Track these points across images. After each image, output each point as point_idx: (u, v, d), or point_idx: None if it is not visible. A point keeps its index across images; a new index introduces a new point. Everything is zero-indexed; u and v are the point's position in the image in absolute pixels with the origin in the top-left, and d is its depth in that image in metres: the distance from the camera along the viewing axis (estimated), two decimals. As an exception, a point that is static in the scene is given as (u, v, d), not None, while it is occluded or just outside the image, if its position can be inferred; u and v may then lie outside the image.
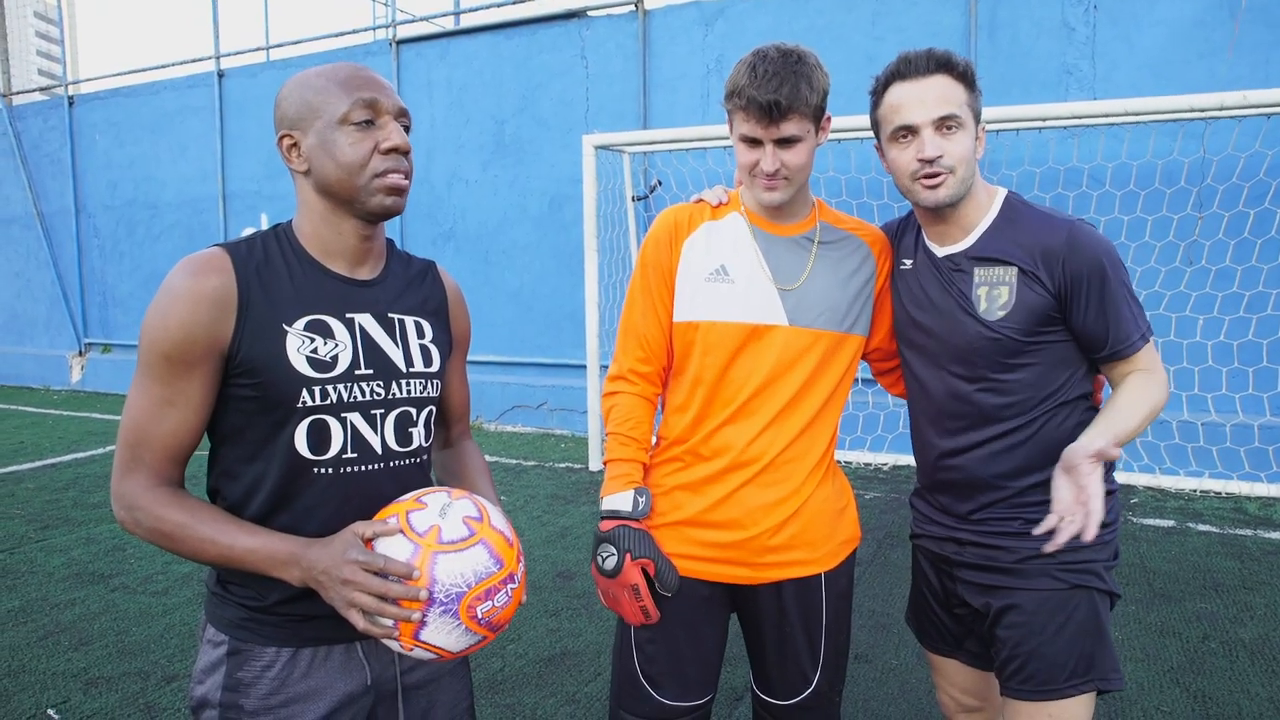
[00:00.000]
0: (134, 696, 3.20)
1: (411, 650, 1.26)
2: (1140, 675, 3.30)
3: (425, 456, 1.51)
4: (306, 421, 1.33)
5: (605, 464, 1.88)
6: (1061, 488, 1.54)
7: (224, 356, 1.30)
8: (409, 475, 1.45)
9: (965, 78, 1.68)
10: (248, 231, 1.43)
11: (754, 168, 1.75)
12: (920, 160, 1.67)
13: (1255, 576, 4.32)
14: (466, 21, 9.49)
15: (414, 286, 1.53)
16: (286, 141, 1.38)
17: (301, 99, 1.35)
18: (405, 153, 1.38)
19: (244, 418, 1.33)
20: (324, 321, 1.36)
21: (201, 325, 1.27)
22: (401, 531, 1.25)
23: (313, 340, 1.34)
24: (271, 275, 1.34)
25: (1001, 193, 1.79)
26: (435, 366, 1.50)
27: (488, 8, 9.12)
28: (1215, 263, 5.93)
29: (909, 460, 6.75)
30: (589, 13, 8.18)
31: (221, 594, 1.40)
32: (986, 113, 6.45)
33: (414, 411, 1.45)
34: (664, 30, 7.84)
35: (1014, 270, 1.71)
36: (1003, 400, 1.75)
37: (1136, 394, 1.69)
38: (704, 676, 1.89)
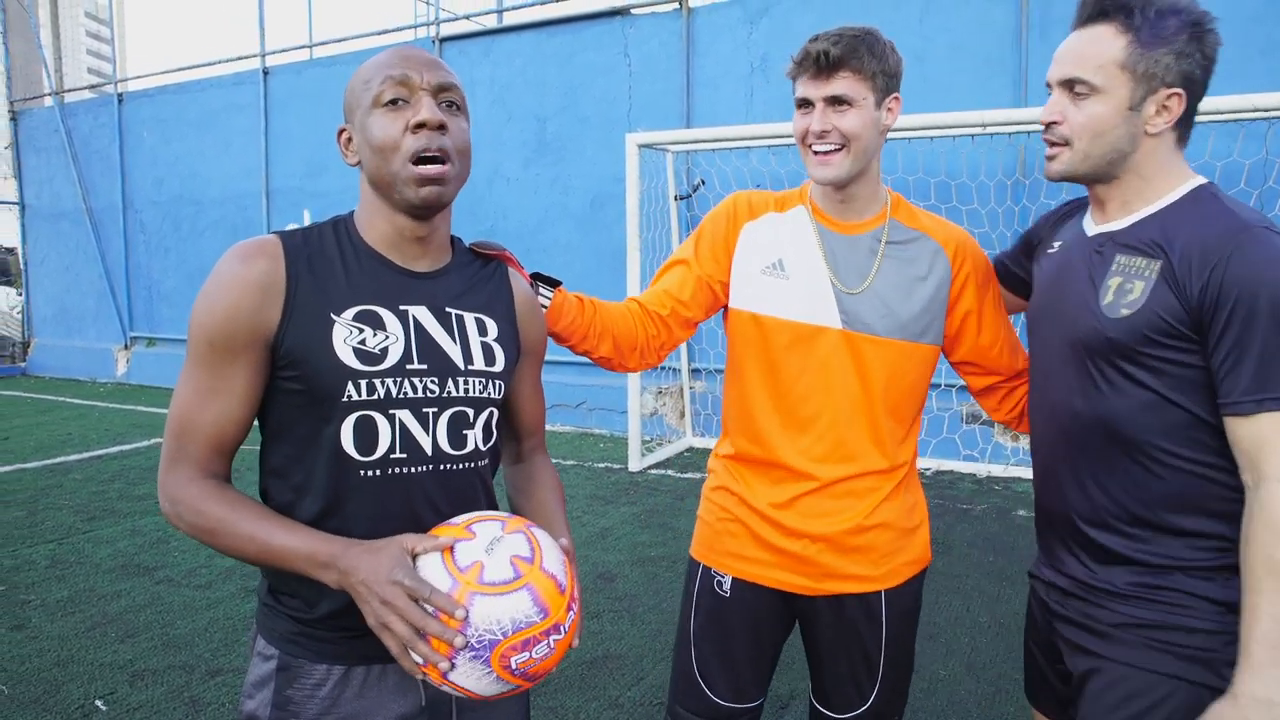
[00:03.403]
0: (179, 690, 3.21)
1: (441, 686, 1.15)
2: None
3: (483, 463, 1.41)
4: (353, 418, 1.25)
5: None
6: None
7: (270, 345, 1.24)
8: (462, 480, 1.36)
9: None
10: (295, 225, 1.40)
11: (806, 135, 1.67)
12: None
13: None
14: (509, 19, 9.51)
15: (480, 284, 1.45)
16: (344, 135, 1.34)
17: (351, 89, 1.31)
18: (438, 128, 1.25)
19: (291, 413, 1.28)
20: (375, 312, 1.28)
21: (246, 311, 1.22)
22: (443, 563, 1.15)
23: (361, 331, 1.26)
24: (324, 264, 1.29)
25: (1194, 180, 1.45)
26: (498, 366, 1.40)
27: (530, 5, 9.12)
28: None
29: (953, 465, 6.65)
30: (632, 10, 8.14)
31: (272, 605, 1.35)
32: (1037, 112, 6.31)
33: (471, 412, 1.35)
34: (708, 28, 7.78)
35: (1158, 265, 1.38)
36: (1107, 418, 1.44)
37: (1266, 561, 1.26)
38: (757, 679, 1.86)
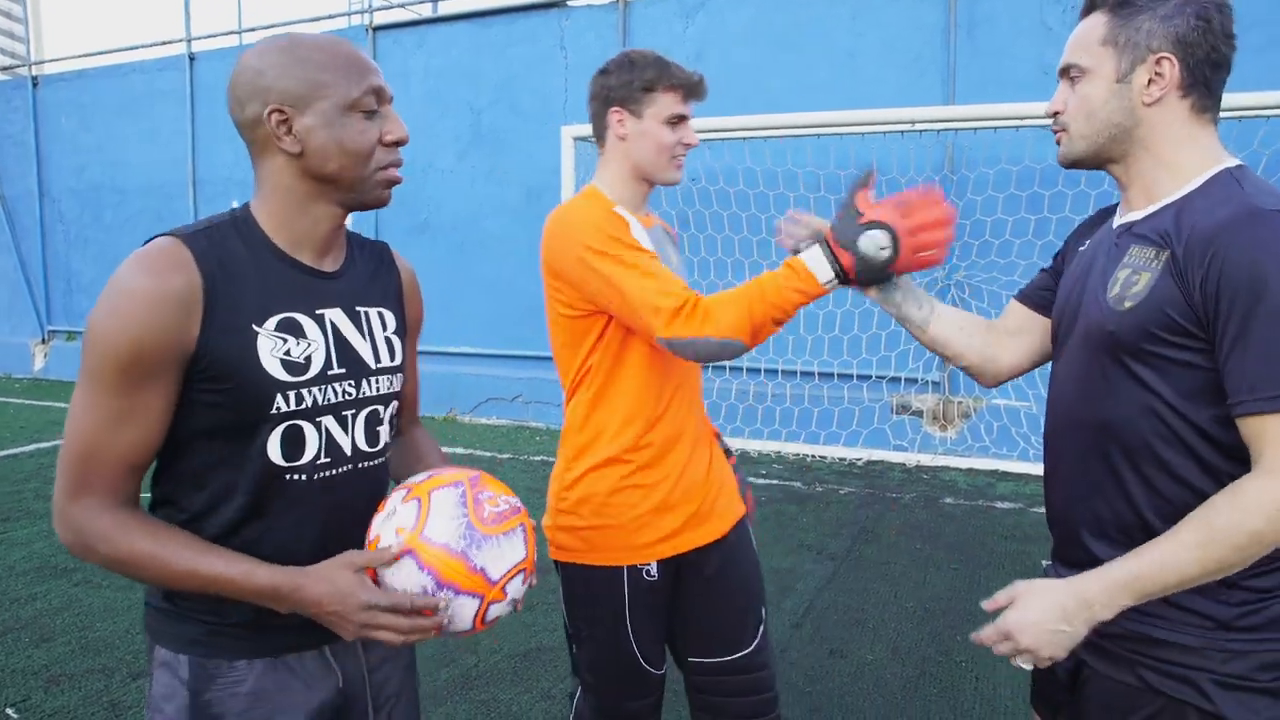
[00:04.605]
0: (98, 694, 3.12)
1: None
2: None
3: (388, 454, 1.44)
4: (281, 428, 1.24)
5: (767, 297, 1.66)
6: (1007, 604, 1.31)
7: (188, 361, 1.18)
8: (376, 474, 1.39)
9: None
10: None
11: (676, 147, 1.93)
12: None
13: None
14: (444, 9, 9.38)
15: (376, 275, 1.44)
16: (276, 117, 1.23)
17: (302, 75, 1.22)
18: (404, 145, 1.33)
19: (209, 424, 1.22)
20: (295, 320, 1.26)
21: (166, 330, 1.15)
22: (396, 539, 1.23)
23: (285, 341, 1.24)
24: (237, 270, 1.23)
25: (1222, 164, 1.34)
26: (398, 359, 1.42)
27: (466, -5, 9.02)
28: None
29: (883, 455, 6.79)
30: (569, 3, 8.11)
31: (172, 610, 1.28)
32: (964, 110, 6.56)
33: (381, 409, 1.38)
34: (644, 22, 7.79)
35: (1165, 256, 1.29)
36: (1110, 422, 1.36)
37: (1216, 527, 1.21)
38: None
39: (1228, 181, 1.31)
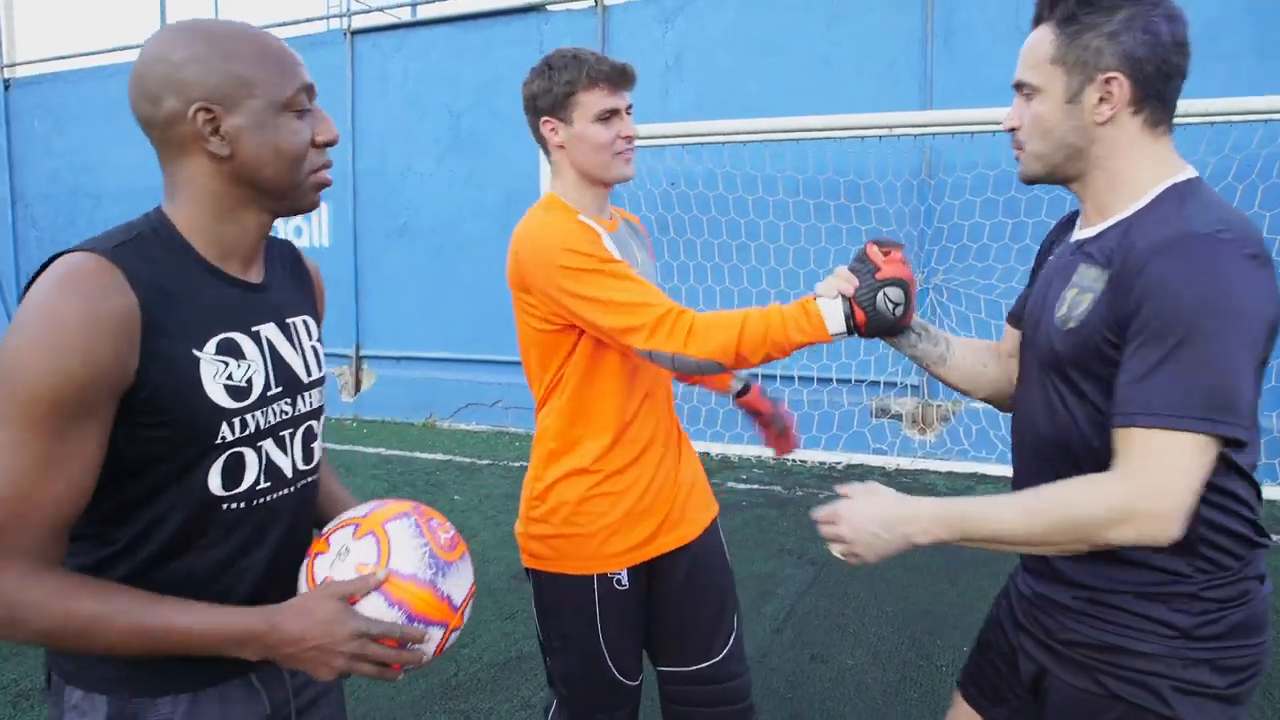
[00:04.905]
0: None
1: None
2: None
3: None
4: (223, 457, 1.15)
5: (768, 333, 1.65)
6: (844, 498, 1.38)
7: (125, 393, 1.06)
8: (311, 492, 1.32)
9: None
10: None
11: (614, 141, 1.88)
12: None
13: None
14: (423, 13, 9.35)
15: (294, 280, 1.36)
16: (203, 116, 1.11)
17: (229, 69, 1.12)
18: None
19: (143, 457, 1.10)
20: (233, 340, 1.17)
21: (104, 361, 1.02)
22: (305, 577, 1.18)
23: (226, 364, 1.15)
24: (171, 287, 1.11)
25: (1174, 177, 1.34)
26: (324, 368, 1.35)
27: (444, -1, 8.99)
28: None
29: (863, 459, 6.81)
30: (548, 7, 8.10)
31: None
32: (941, 115, 6.59)
33: (315, 424, 1.30)
34: (623, 26, 7.79)
35: (1107, 276, 1.31)
36: (1064, 440, 1.39)
37: (1048, 499, 1.26)
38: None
39: (1173, 199, 1.31)
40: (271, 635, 1.10)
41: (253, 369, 1.19)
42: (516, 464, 6.88)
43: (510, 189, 8.25)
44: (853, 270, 1.62)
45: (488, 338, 8.28)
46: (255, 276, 1.25)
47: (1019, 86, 1.42)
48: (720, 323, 1.67)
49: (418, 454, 7.19)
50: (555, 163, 1.94)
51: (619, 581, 1.90)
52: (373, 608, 1.14)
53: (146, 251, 1.12)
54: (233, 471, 1.17)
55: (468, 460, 7.01)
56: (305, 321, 1.32)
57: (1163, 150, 1.37)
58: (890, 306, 1.58)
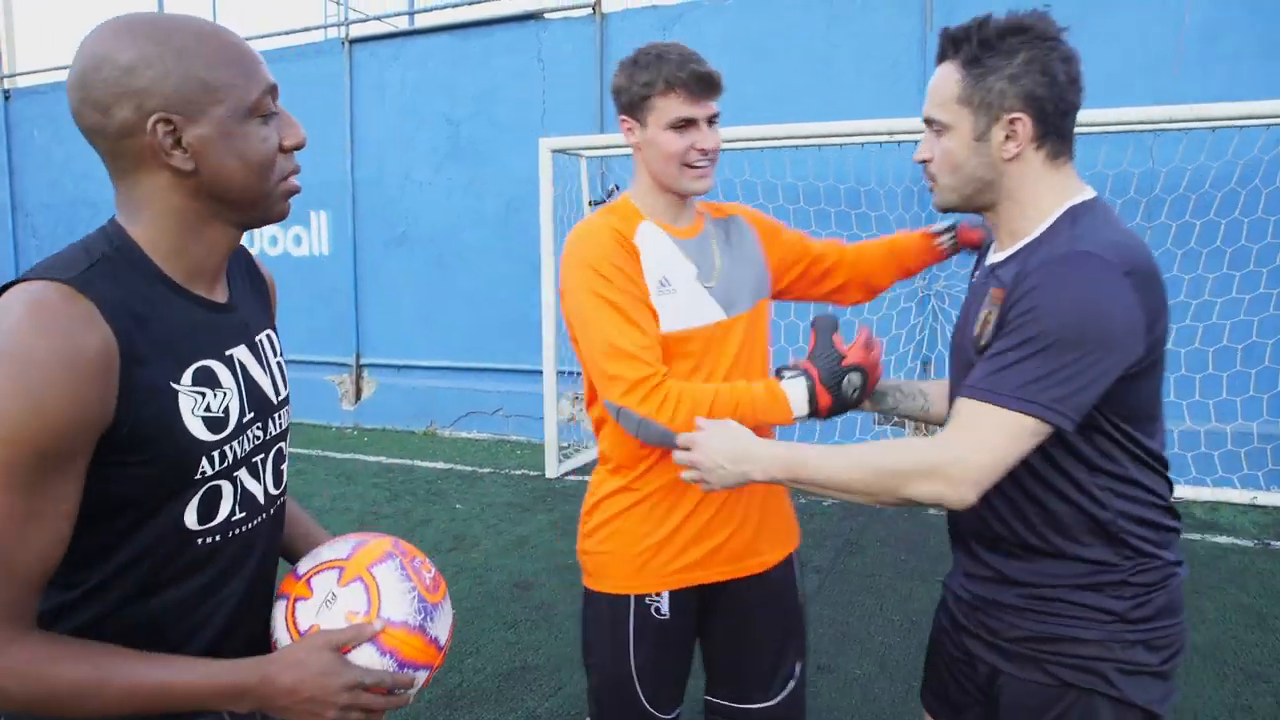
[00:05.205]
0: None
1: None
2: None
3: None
4: (201, 491, 1.09)
5: (736, 412, 1.66)
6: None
7: (104, 434, 0.98)
8: (281, 516, 1.27)
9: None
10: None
11: (688, 152, 1.77)
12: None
13: (1204, 581, 4.39)
14: (421, 22, 9.36)
15: (256, 293, 1.29)
16: (163, 128, 1.01)
17: (188, 73, 1.01)
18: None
19: (118, 498, 1.03)
20: (209, 368, 1.10)
21: (85, 403, 0.94)
22: (285, 625, 1.15)
23: (204, 395, 1.08)
24: (144, 315, 1.03)
25: (1072, 200, 1.43)
26: (289, 384, 1.28)
27: (443, 8, 8.99)
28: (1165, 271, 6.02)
29: (866, 466, 6.78)
30: (546, 15, 8.11)
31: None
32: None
33: (284, 445, 1.25)
34: (621, 34, 7.80)
35: (1004, 295, 1.40)
36: None
37: (873, 451, 1.39)
38: (684, 679, 1.99)
39: (1067, 221, 1.40)
40: (266, 688, 1.06)
41: (229, 397, 1.12)
42: (518, 472, 6.85)
43: (509, 197, 8.25)
44: (815, 357, 1.71)
45: (487, 346, 8.27)
46: (221, 295, 1.17)
47: (929, 122, 1.49)
48: (692, 395, 1.66)
49: (419, 462, 7.17)
50: (635, 161, 1.88)
51: (658, 610, 1.84)
52: (365, 657, 1.12)
53: (112, 276, 1.02)
54: (208, 504, 1.11)
55: (469, 469, 6.98)
56: (269, 336, 1.26)
57: (1064, 178, 1.45)
58: (851, 390, 1.70)
